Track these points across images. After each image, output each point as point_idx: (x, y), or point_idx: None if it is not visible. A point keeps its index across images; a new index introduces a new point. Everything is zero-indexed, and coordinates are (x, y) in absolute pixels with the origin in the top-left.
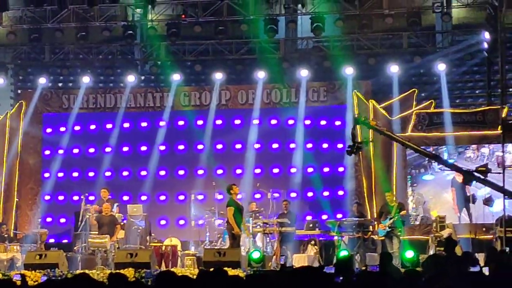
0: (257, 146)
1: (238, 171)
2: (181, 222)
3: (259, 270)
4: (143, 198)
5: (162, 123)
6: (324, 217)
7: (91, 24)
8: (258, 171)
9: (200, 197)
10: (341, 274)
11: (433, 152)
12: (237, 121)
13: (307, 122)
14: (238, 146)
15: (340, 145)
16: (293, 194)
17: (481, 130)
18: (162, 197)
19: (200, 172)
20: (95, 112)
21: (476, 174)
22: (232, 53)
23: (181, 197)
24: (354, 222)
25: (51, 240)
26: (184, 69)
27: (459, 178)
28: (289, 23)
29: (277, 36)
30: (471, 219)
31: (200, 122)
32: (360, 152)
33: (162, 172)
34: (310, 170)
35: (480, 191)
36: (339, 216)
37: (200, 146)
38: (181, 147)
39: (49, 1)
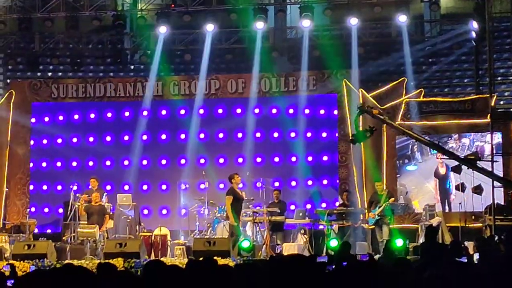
0: (239, 135)
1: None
2: (164, 211)
3: (249, 259)
4: (126, 187)
5: (145, 113)
6: (308, 206)
7: (81, 13)
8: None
9: (183, 186)
10: (340, 261)
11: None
12: (220, 110)
13: (290, 111)
14: (221, 135)
15: (324, 134)
16: (276, 183)
17: (470, 119)
18: (145, 187)
19: (183, 161)
20: (85, 102)
21: (473, 162)
22: (222, 42)
23: (164, 187)
24: (344, 211)
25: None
26: (174, 59)
27: (442, 169)
28: (278, 12)
29: (266, 25)
30: (450, 208)
31: (183, 111)
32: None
33: (145, 162)
34: (293, 159)
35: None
36: (323, 205)
37: (183, 136)
38: (163, 136)
39: None
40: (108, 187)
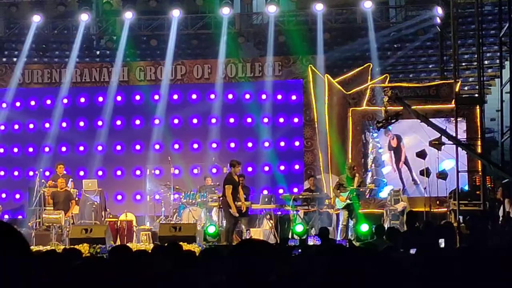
0: (213, 120)
1: (195, 145)
2: (138, 197)
3: (215, 244)
4: (100, 173)
5: (118, 98)
6: (280, 191)
7: None
8: (214, 145)
9: (157, 172)
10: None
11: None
12: (194, 96)
13: (263, 96)
14: (195, 120)
15: (296, 119)
16: (249, 169)
17: (434, 104)
18: (119, 172)
19: (157, 147)
20: (51, 87)
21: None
22: (188, 28)
23: (138, 172)
24: (310, 196)
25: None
26: (140, 44)
27: (393, 141)
28: None
29: (232, 11)
30: (413, 175)
31: (156, 97)
32: (316, 126)
33: (118, 147)
34: (266, 144)
35: None
36: (294, 190)
37: (156, 121)
38: (137, 122)
39: None
40: (82, 173)
